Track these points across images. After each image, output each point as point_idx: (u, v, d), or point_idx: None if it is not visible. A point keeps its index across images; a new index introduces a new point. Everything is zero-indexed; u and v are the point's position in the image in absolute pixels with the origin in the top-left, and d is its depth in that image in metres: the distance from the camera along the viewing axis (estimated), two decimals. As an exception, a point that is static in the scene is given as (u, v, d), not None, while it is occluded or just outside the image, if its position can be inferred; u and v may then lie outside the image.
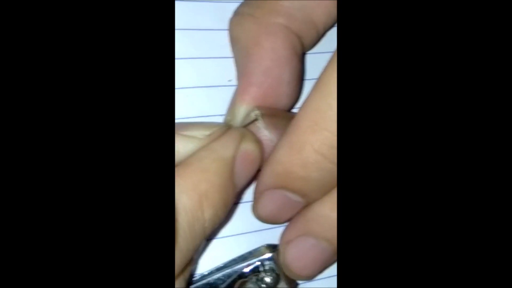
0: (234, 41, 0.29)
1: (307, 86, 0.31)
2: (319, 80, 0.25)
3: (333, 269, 0.31)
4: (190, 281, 0.27)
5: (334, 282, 0.31)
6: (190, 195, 0.23)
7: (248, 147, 0.25)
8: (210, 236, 0.29)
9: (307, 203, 0.27)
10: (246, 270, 0.28)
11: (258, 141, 0.26)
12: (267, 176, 0.26)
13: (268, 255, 0.28)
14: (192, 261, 0.26)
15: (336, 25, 0.30)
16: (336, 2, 0.29)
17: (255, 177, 0.27)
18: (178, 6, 0.28)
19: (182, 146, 0.25)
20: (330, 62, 0.24)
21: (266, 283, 0.28)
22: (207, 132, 0.25)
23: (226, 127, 0.26)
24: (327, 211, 0.26)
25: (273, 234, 0.29)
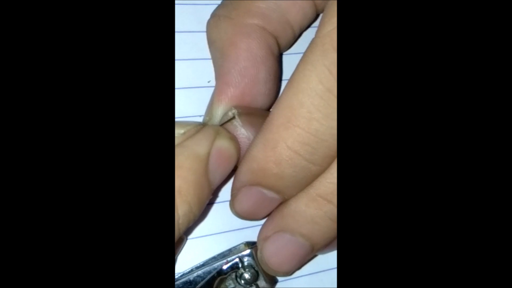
0: (211, 43, 0.29)
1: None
2: (291, 78, 0.25)
3: (312, 267, 0.31)
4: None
5: (314, 279, 0.31)
6: None
7: (223, 144, 0.25)
8: (189, 235, 0.29)
9: (284, 199, 0.27)
10: (225, 267, 0.28)
11: (233, 138, 0.27)
12: (243, 173, 0.26)
13: (246, 251, 0.28)
14: None
15: (312, 25, 0.31)
16: (311, 2, 0.29)
17: (232, 174, 0.27)
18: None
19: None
20: (301, 61, 0.25)
21: (245, 279, 0.28)
22: (181, 131, 0.25)
23: (201, 125, 0.26)
24: (302, 207, 0.26)
25: (253, 233, 0.30)
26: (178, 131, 0.25)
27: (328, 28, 0.24)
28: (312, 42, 0.24)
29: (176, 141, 0.25)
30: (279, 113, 0.25)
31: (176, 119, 0.30)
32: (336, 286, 0.31)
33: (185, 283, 0.28)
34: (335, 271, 0.31)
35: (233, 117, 0.28)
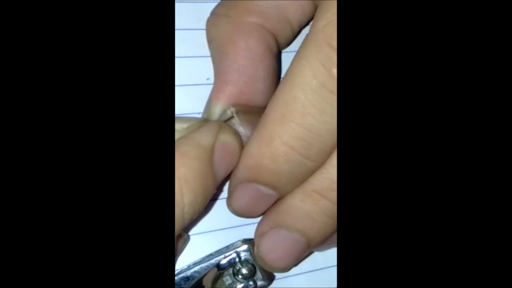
0: (210, 41, 0.29)
1: (284, 84, 0.31)
2: (286, 74, 0.25)
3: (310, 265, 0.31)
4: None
5: (312, 277, 0.31)
6: None
7: (227, 138, 0.25)
8: (189, 231, 0.29)
9: (280, 196, 0.27)
10: (223, 262, 0.28)
11: (237, 134, 0.27)
12: (239, 170, 0.26)
13: (244, 247, 0.28)
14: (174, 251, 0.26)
15: (311, 23, 0.31)
16: (310, 0, 0.29)
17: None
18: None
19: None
20: (296, 56, 0.25)
21: (242, 274, 0.28)
22: (185, 125, 0.25)
23: (204, 121, 0.26)
24: (298, 203, 0.26)
25: (251, 230, 0.30)
26: (182, 126, 0.25)
27: (322, 23, 0.24)
28: (306, 38, 0.24)
29: (180, 134, 0.25)
30: (274, 108, 0.25)
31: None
32: (333, 284, 0.31)
33: (182, 279, 0.28)
34: (334, 269, 0.31)
35: (232, 116, 0.28)
